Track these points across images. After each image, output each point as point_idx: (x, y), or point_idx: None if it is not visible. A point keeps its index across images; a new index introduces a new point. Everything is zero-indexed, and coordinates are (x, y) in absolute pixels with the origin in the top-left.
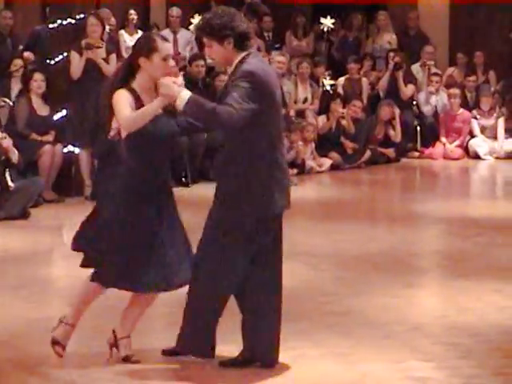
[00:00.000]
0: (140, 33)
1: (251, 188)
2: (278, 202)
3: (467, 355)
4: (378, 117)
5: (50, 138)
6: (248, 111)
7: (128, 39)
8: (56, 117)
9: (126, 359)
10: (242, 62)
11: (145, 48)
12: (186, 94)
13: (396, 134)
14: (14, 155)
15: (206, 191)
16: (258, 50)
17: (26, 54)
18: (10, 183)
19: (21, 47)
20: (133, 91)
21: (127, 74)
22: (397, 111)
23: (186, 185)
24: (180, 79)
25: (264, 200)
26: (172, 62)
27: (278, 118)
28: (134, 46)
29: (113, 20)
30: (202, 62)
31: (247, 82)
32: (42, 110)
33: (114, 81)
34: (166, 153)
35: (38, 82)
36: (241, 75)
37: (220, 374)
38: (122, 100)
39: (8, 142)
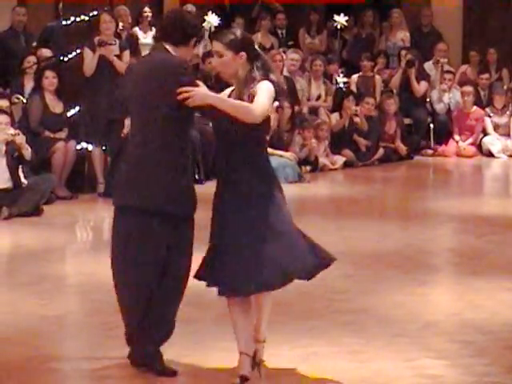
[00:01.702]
0: (154, 30)
1: None
2: None
3: (480, 353)
4: (383, 111)
5: (62, 134)
6: None
7: (142, 37)
8: (69, 113)
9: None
10: None
11: None
12: None
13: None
14: (27, 152)
15: None
16: (272, 47)
17: (44, 51)
18: (23, 180)
19: (34, 44)
20: None
21: None
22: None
23: (200, 182)
24: None
25: None
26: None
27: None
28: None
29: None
30: None
31: None
32: (56, 107)
33: None
34: None
35: (50, 79)
36: None
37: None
38: None
39: (21, 139)
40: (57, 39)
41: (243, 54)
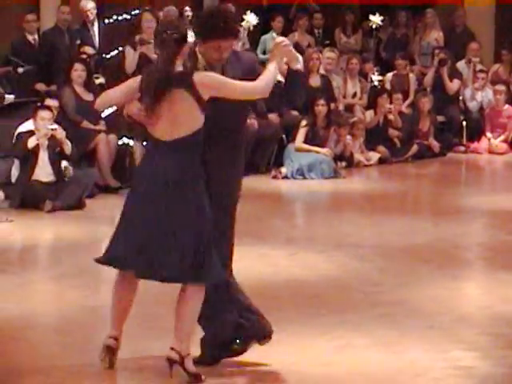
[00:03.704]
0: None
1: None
2: None
3: (511, 345)
4: (418, 109)
5: (102, 126)
6: None
7: None
8: (107, 112)
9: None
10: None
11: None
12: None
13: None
14: (67, 147)
15: (256, 183)
16: (309, 46)
17: (87, 48)
18: (71, 172)
19: (78, 42)
20: None
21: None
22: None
23: None
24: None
25: None
26: None
27: None
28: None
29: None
30: None
31: None
32: (86, 96)
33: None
34: None
35: (79, 71)
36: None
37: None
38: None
39: (61, 134)
40: (85, 40)
41: None
